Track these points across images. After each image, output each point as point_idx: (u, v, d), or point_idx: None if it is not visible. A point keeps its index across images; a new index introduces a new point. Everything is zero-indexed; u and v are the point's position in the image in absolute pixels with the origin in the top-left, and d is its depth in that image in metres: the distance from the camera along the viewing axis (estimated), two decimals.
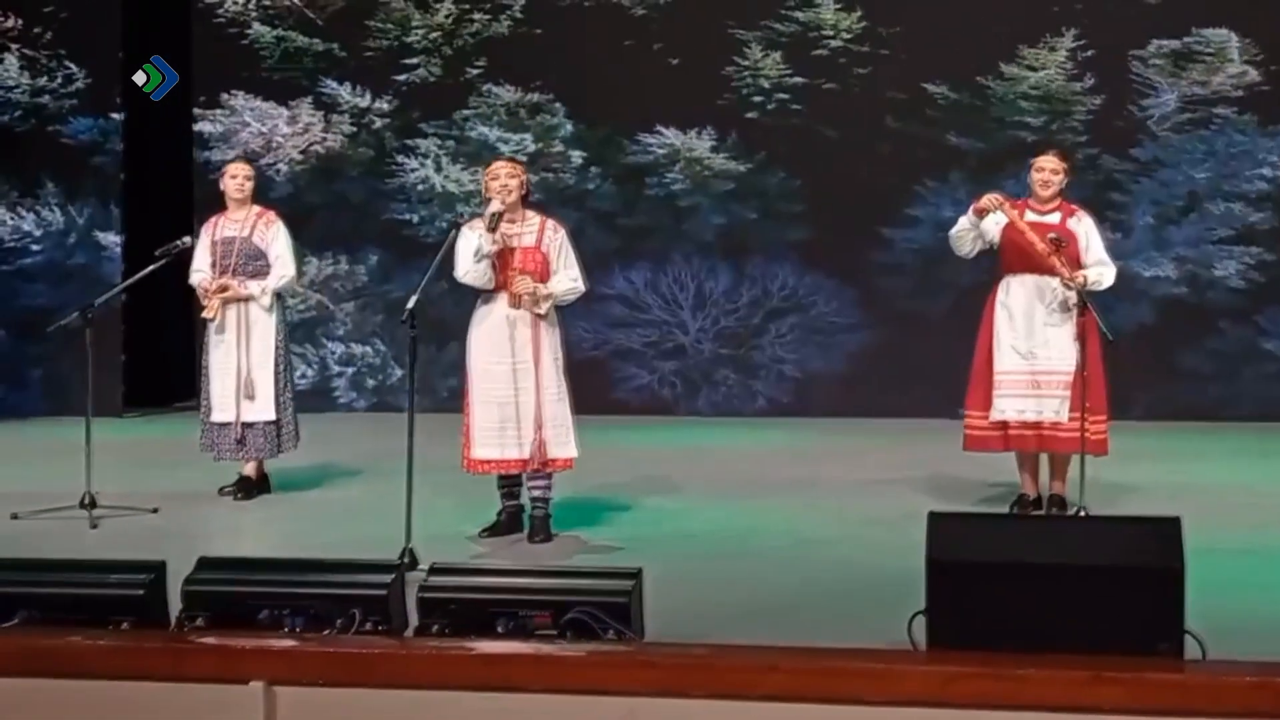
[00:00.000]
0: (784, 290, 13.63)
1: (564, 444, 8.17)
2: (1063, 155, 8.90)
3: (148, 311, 13.51)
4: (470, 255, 7.98)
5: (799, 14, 13.52)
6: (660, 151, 13.71)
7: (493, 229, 7.97)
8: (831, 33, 13.46)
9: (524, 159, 11.97)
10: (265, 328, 9.43)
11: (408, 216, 13.98)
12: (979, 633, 4.74)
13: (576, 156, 13.81)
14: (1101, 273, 8.62)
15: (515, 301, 8.06)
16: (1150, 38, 13.10)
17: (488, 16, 13.88)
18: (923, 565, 5.00)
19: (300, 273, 9.77)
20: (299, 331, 13.72)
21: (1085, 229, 8.67)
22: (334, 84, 14.05)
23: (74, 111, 13.85)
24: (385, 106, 14.01)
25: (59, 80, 13.86)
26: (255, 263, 9.47)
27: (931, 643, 4.92)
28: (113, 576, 5.39)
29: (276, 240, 9.53)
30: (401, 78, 13.99)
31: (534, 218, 8.29)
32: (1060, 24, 13.21)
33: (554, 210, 10.11)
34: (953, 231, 8.84)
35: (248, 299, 9.42)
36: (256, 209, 9.68)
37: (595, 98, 13.74)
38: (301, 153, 14.10)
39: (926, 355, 12.34)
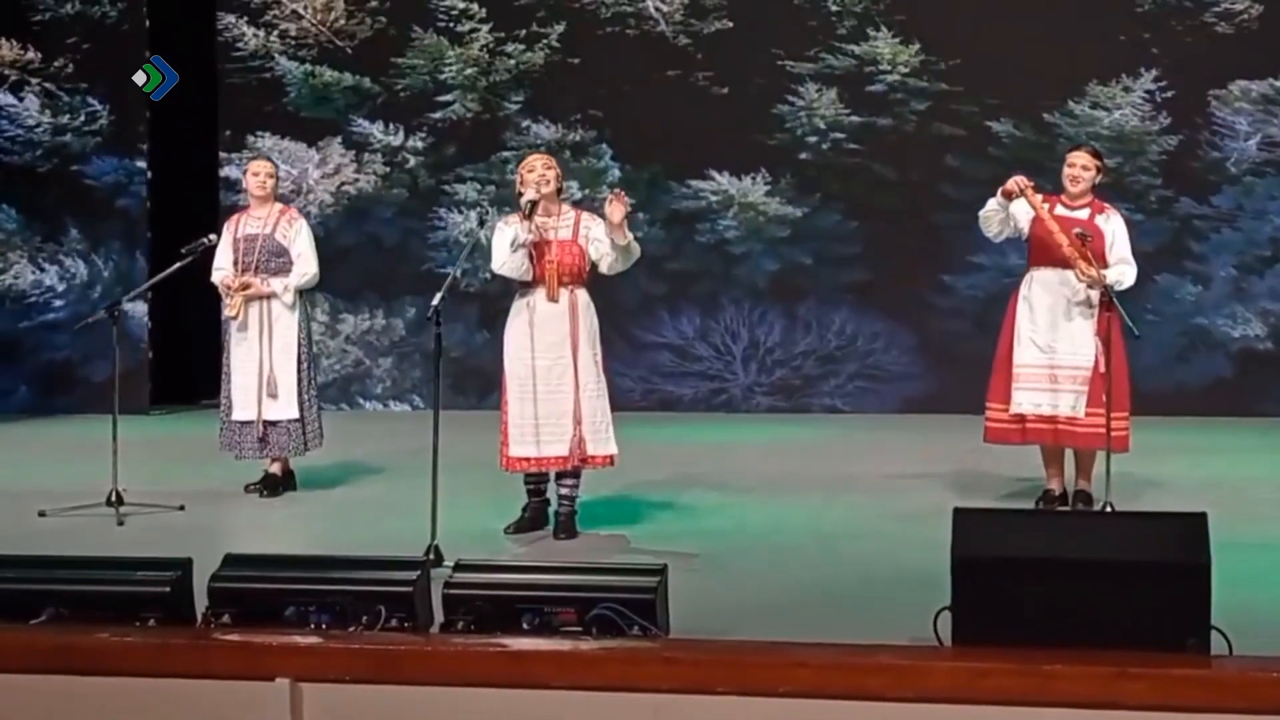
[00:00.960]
0: (841, 338, 13.92)
1: (604, 441, 8.52)
2: (1095, 153, 9.26)
3: (174, 309, 13.99)
4: (506, 246, 8.41)
5: (853, 46, 13.82)
6: (714, 198, 14.06)
7: (528, 217, 8.42)
8: (888, 67, 13.77)
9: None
10: (287, 325, 9.89)
11: (448, 270, 14.25)
12: (1004, 629, 5.07)
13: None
14: (1123, 272, 8.97)
15: (554, 295, 8.47)
16: (1233, 78, 13.39)
17: (523, 46, 14.24)
18: (948, 561, 5.31)
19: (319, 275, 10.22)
20: (332, 389, 14.16)
21: (1113, 227, 9.04)
22: (365, 122, 14.43)
23: (98, 150, 14.28)
24: (419, 144, 14.39)
25: (81, 118, 14.29)
26: (277, 260, 9.90)
27: (957, 639, 5.22)
28: (139, 573, 5.75)
29: (299, 237, 9.98)
30: (436, 115, 14.36)
31: (570, 211, 8.73)
32: (1132, 58, 13.48)
33: None
34: (982, 212, 9.20)
35: (270, 296, 9.87)
36: (279, 207, 10.14)
37: (640, 136, 14.06)
38: (332, 194, 14.50)
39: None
